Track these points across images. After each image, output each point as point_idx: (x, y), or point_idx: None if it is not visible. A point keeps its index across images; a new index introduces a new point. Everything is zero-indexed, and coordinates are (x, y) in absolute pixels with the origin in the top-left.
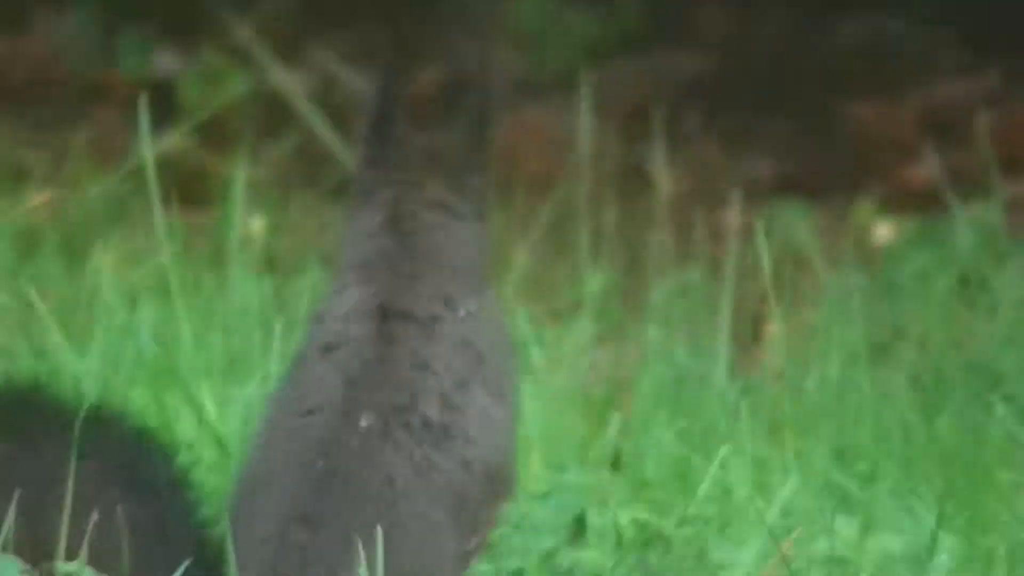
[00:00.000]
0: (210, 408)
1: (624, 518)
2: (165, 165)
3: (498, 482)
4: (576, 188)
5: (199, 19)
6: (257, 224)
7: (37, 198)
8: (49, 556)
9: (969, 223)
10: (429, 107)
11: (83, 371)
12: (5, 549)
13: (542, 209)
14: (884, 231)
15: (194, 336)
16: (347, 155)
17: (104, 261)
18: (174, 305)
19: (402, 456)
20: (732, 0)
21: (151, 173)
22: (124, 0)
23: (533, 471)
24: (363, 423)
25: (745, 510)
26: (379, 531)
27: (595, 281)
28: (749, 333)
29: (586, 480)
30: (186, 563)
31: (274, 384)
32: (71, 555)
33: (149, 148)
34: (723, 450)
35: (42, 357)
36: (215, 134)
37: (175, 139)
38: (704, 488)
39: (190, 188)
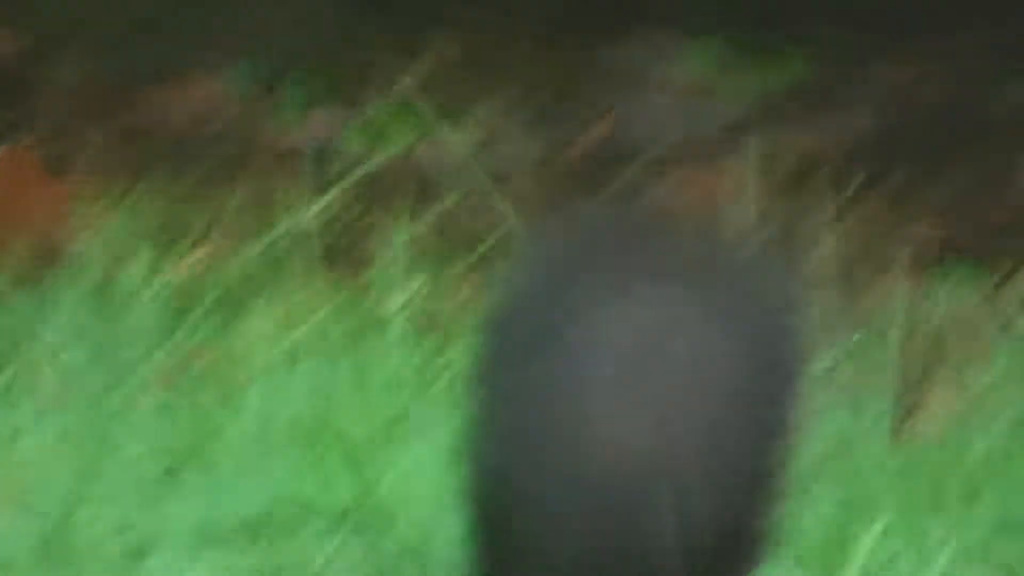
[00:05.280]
0: (371, 470)
1: None
2: (323, 223)
3: None
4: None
5: (363, 74)
6: (415, 284)
7: (193, 256)
8: None
9: None
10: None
11: (237, 431)
12: None
13: None
14: None
15: (352, 398)
16: (508, 214)
17: (261, 320)
18: (332, 366)
19: None
20: (900, 58)
21: (309, 232)
22: (285, 55)
23: None
24: None
25: None
26: None
27: None
28: (912, 399)
29: None
30: None
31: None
32: None
33: (310, 205)
34: (880, 521)
35: (197, 413)
36: (374, 192)
37: (334, 196)
38: (861, 559)
39: (349, 247)
